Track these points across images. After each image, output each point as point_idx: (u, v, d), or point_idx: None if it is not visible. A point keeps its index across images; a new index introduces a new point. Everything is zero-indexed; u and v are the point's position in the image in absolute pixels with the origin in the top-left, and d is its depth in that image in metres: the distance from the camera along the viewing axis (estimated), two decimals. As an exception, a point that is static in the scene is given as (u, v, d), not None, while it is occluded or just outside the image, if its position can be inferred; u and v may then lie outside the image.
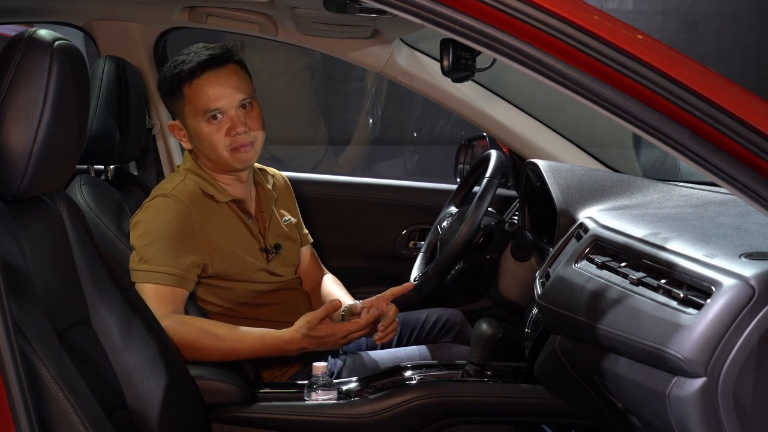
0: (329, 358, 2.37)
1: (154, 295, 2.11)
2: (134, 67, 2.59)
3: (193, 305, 2.22)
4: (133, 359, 1.81)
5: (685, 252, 1.53)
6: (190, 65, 2.24)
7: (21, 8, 2.51)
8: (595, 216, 2.02)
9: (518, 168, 2.76)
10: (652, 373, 1.48)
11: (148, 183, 2.74)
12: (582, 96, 1.27)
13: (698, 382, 1.36)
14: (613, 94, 1.25)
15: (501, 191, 2.81)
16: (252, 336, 2.14)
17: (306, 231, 2.60)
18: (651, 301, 1.50)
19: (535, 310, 2.11)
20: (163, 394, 1.82)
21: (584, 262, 1.82)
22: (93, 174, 2.52)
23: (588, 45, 1.25)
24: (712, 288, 1.38)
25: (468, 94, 2.75)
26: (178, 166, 2.40)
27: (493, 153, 2.42)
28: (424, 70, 2.75)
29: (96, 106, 2.42)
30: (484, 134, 2.82)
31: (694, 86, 1.24)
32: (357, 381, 2.22)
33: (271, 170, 2.56)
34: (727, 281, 1.37)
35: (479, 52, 1.64)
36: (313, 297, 2.53)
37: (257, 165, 2.49)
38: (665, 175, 2.51)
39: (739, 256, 1.43)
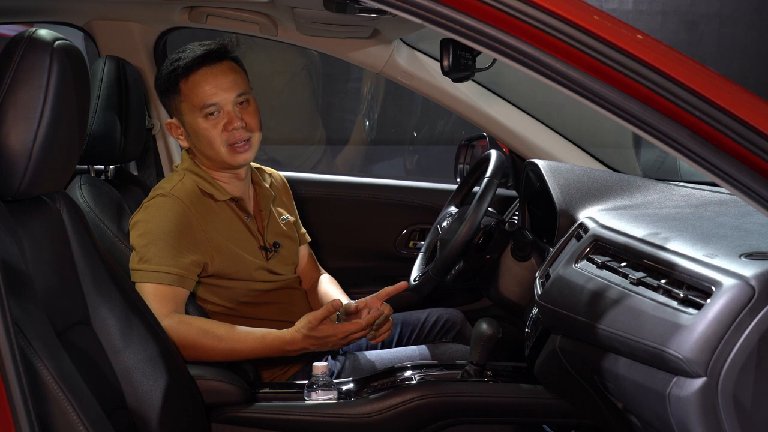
0: (329, 358, 2.37)
1: (155, 294, 2.11)
2: (134, 67, 2.59)
3: (194, 305, 2.22)
4: (133, 359, 1.81)
5: (685, 252, 1.53)
6: (186, 61, 2.25)
7: (21, 8, 2.51)
8: (595, 216, 2.02)
9: (518, 168, 2.76)
10: (652, 373, 1.48)
11: (148, 183, 2.74)
12: (582, 96, 1.27)
13: (698, 382, 1.36)
14: (613, 94, 1.25)
15: (501, 191, 2.81)
16: (253, 336, 2.14)
17: (304, 230, 2.60)
18: (651, 301, 1.50)
19: (535, 310, 2.11)
20: (163, 394, 1.83)
21: (584, 262, 1.82)
22: (93, 174, 2.52)
23: (588, 45, 1.25)
24: (712, 288, 1.38)
25: (468, 94, 2.75)
26: (176, 166, 2.40)
27: (493, 153, 2.42)
28: (424, 70, 2.75)
29: (96, 106, 2.42)
30: (484, 134, 2.82)
31: (694, 86, 1.24)
32: (357, 381, 2.22)
33: (269, 169, 2.56)
34: (727, 281, 1.37)
35: (479, 52, 1.64)
36: (310, 296, 2.53)
37: (254, 164, 2.49)
38: (665, 175, 2.51)
39: (739, 256, 1.43)
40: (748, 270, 1.36)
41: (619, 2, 5.57)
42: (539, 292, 1.96)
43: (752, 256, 1.42)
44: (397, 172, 5.44)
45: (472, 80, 2.62)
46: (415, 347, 2.46)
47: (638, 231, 1.75)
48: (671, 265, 1.52)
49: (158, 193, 2.25)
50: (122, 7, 2.64)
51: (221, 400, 2.08)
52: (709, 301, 1.37)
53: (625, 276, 1.62)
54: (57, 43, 1.61)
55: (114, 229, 2.26)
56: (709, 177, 1.26)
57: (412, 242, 3.06)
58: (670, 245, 1.60)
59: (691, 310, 1.40)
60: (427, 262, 2.56)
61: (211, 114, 2.25)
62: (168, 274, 2.13)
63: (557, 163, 2.39)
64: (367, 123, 5.19)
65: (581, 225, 2.01)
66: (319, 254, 2.73)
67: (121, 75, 2.50)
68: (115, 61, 2.50)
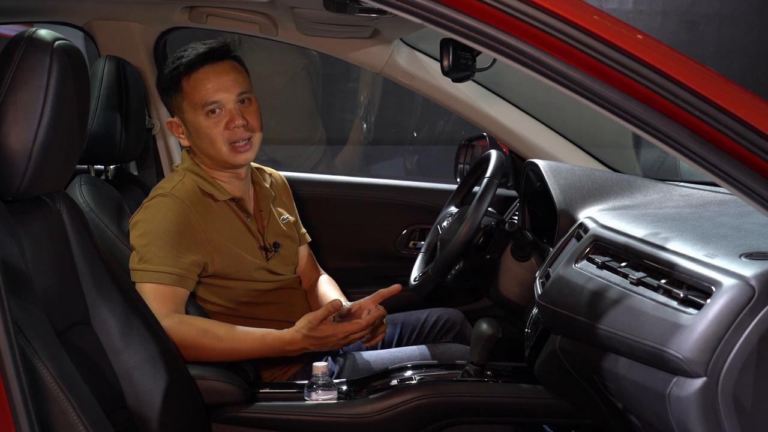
0: (329, 358, 2.37)
1: (155, 295, 2.11)
2: (134, 67, 2.59)
3: (194, 305, 2.22)
4: (133, 359, 1.81)
5: (685, 252, 1.53)
6: (189, 59, 2.26)
7: (21, 8, 2.51)
8: (595, 216, 2.02)
9: (518, 168, 2.76)
10: (652, 373, 1.48)
11: (148, 183, 2.74)
12: (582, 96, 1.27)
13: (698, 382, 1.36)
14: (613, 94, 1.25)
15: (501, 191, 2.81)
16: (253, 336, 2.14)
17: (304, 230, 2.60)
18: (651, 301, 1.50)
19: (535, 310, 2.11)
20: (163, 394, 1.83)
21: (584, 262, 1.82)
22: (93, 174, 2.52)
23: (588, 45, 1.25)
24: (712, 288, 1.38)
25: (468, 94, 2.75)
26: (176, 166, 2.40)
27: (493, 153, 2.42)
28: (424, 70, 2.75)
29: (96, 106, 2.42)
30: (484, 134, 2.82)
31: (694, 86, 1.24)
32: (357, 381, 2.22)
33: (269, 169, 2.56)
34: (727, 281, 1.37)
35: (479, 52, 1.64)
36: (309, 297, 2.53)
37: (255, 164, 2.49)
38: (665, 175, 2.51)
39: (739, 256, 1.43)
40: (748, 270, 1.36)
41: (619, 2, 5.57)
42: (539, 292, 1.96)
43: (752, 256, 1.42)
44: (397, 172, 5.44)
45: (472, 80, 2.62)
46: (415, 347, 2.46)
47: (638, 231, 1.75)
48: (671, 265, 1.52)
49: (158, 193, 2.25)
50: (122, 7, 2.64)
51: (221, 400, 2.08)
52: (709, 301, 1.37)
53: (625, 276, 1.62)
54: (57, 43, 1.61)
55: (114, 229, 2.26)
56: (709, 177, 1.26)
57: (412, 242, 3.06)
58: (670, 245, 1.60)
59: (691, 310, 1.40)
60: (427, 262, 2.56)
61: (213, 112, 2.25)
62: (168, 274, 2.13)
63: (557, 163, 2.39)
64: (365, 125, 5.19)
65: (581, 225, 2.01)
66: (319, 254, 2.73)
67: (121, 75, 2.50)
68: (115, 61, 2.50)
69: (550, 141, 2.77)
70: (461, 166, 2.89)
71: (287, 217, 2.50)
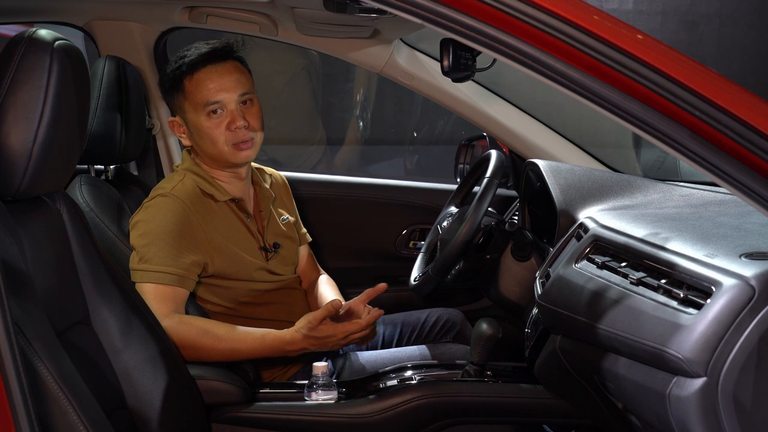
0: (329, 358, 2.37)
1: (155, 295, 2.11)
2: (134, 67, 2.59)
3: (194, 305, 2.22)
4: (133, 359, 1.81)
5: (685, 252, 1.53)
6: (191, 58, 2.26)
7: (21, 8, 2.51)
8: (595, 216, 2.02)
9: (518, 168, 2.76)
10: (652, 373, 1.48)
11: (148, 183, 2.74)
12: (582, 96, 1.27)
13: (698, 382, 1.36)
14: (613, 94, 1.25)
15: (501, 191, 2.81)
16: (253, 336, 2.14)
17: (304, 230, 2.60)
18: (651, 301, 1.50)
19: (535, 310, 2.11)
20: (163, 394, 1.82)
21: (584, 262, 1.82)
22: (93, 174, 2.52)
23: (588, 45, 1.25)
24: (712, 288, 1.38)
25: (468, 94, 2.75)
26: (177, 166, 2.40)
27: (493, 153, 2.42)
28: (424, 70, 2.75)
29: (96, 106, 2.42)
30: (484, 134, 2.82)
31: (694, 86, 1.24)
32: (357, 381, 2.22)
33: (269, 170, 2.56)
34: (728, 281, 1.37)
35: (479, 52, 1.64)
36: (309, 297, 2.53)
37: (255, 164, 2.49)
38: (665, 175, 2.51)
39: (740, 256, 1.43)
40: (748, 270, 1.36)
41: (619, 2, 5.57)
42: (539, 292, 1.96)
43: (752, 256, 1.42)
44: (397, 172, 5.44)
45: (472, 80, 2.62)
46: (415, 347, 2.46)
47: (638, 231, 1.75)
48: (671, 265, 1.52)
49: (159, 193, 2.25)
50: (122, 7, 2.64)
51: (221, 400, 2.08)
52: (709, 301, 1.37)
53: (625, 276, 1.62)
54: (57, 43, 1.61)
55: (114, 229, 2.26)
56: (709, 177, 1.26)
57: (412, 242, 3.06)
58: (670, 245, 1.60)
59: (691, 310, 1.40)
60: (427, 262, 2.56)
61: (214, 112, 2.25)
62: (168, 274, 2.13)
63: (557, 163, 2.39)
64: (361, 123, 5.20)
65: (581, 225, 2.01)
66: (319, 254, 2.73)
67: (121, 75, 2.50)
68: (115, 61, 2.50)
69: (550, 141, 2.77)
70: (461, 166, 2.89)
71: (287, 218, 2.50)
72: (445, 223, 2.53)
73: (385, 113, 5.43)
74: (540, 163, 2.34)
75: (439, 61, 1.68)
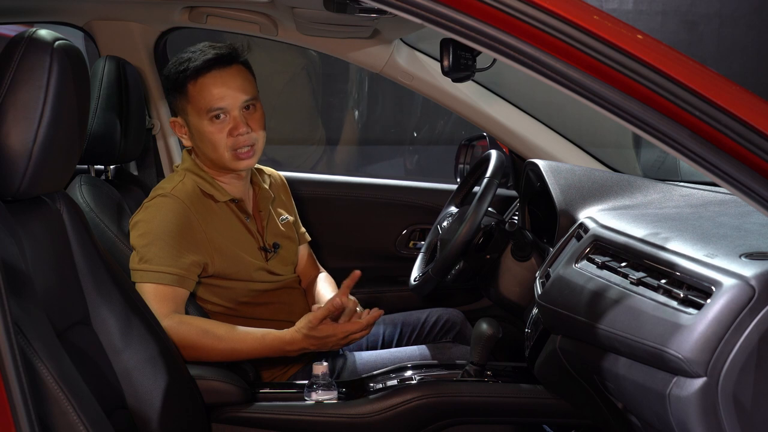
0: (329, 358, 2.37)
1: (155, 295, 2.11)
2: (134, 67, 2.59)
3: (194, 305, 2.22)
4: (133, 359, 1.81)
5: (686, 252, 1.53)
6: (196, 63, 2.24)
7: (21, 8, 2.51)
8: (595, 216, 2.02)
9: (518, 168, 2.76)
10: (652, 373, 1.48)
11: (148, 183, 2.74)
12: (582, 96, 1.27)
13: (698, 382, 1.36)
14: (613, 94, 1.25)
15: (501, 191, 2.81)
16: (252, 336, 2.14)
17: (303, 229, 2.60)
18: (651, 301, 1.50)
19: (535, 310, 2.11)
20: (163, 394, 1.82)
21: (584, 262, 1.82)
22: (93, 174, 2.52)
23: (588, 45, 1.25)
24: (712, 288, 1.38)
25: (468, 94, 2.75)
26: (177, 166, 2.40)
27: (493, 153, 2.42)
28: (424, 70, 2.75)
29: (96, 106, 2.42)
30: (484, 134, 2.82)
31: (694, 86, 1.24)
32: (357, 381, 2.22)
33: (268, 170, 2.56)
34: (728, 281, 1.37)
35: (479, 52, 1.64)
36: (308, 295, 2.53)
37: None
38: (665, 175, 2.51)
39: (740, 256, 1.43)
40: (748, 270, 1.36)
41: (619, 2, 5.57)
42: (539, 292, 1.96)
43: (752, 256, 1.42)
44: (397, 172, 5.44)
45: (472, 80, 2.62)
46: (415, 347, 2.46)
47: (638, 231, 1.75)
48: (671, 265, 1.52)
49: (159, 194, 2.25)
50: (122, 7, 2.64)
51: (221, 400, 2.08)
52: (709, 301, 1.37)
53: (625, 276, 1.62)
54: (57, 43, 1.61)
55: (114, 229, 2.26)
56: (709, 177, 1.26)
57: (412, 242, 3.06)
58: (670, 245, 1.60)
59: (691, 310, 1.40)
60: (427, 262, 2.56)
61: (217, 117, 2.24)
62: (168, 275, 2.13)
63: (557, 163, 2.39)
64: (361, 123, 5.20)
65: (581, 225, 2.01)
66: (319, 254, 2.73)
67: (121, 75, 2.49)
68: (115, 61, 2.50)
69: (550, 141, 2.77)
70: (461, 166, 2.89)
71: (286, 218, 2.50)
72: (445, 223, 2.53)
73: (386, 113, 5.43)
74: (540, 163, 2.34)
75: (439, 61, 1.68)
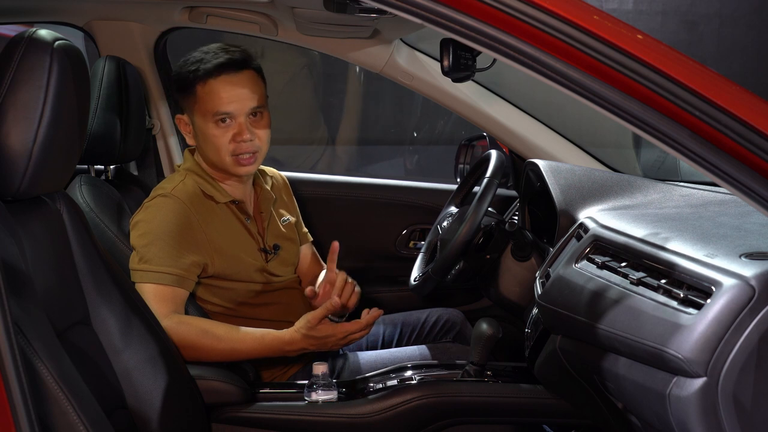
0: (329, 358, 2.37)
1: (155, 295, 2.11)
2: (134, 67, 2.59)
3: (194, 305, 2.22)
4: (133, 359, 1.81)
5: (685, 252, 1.53)
6: (207, 66, 2.23)
7: (21, 8, 2.51)
8: (595, 216, 2.02)
9: (518, 168, 2.76)
10: (652, 373, 1.48)
11: (148, 183, 2.74)
12: (582, 96, 1.27)
13: (698, 382, 1.36)
14: (613, 94, 1.25)
15: (501, 191, 2.81)
16: (252, 336, 2.14)
17: (305, 230, 2.60)
18: (651, 301, 1.50)
19: (535, 310, 2.11)
20: (163, 394, 1.83)
21: (584, 262, 1.82)
22: (93, 174, 2.52)
23: (588, 45, 1.25)
24: (712, 288, 1.38)
25: (468, 94, 2.75)
26: (178, 166, 2.40)
27: (493, 153, 2.42)
28: (424, 70, 2.75)
29: (96, 106, 2.42)
30: (484, 134, 2.82)
31: (694, 86, 1.24)
32: (357, 381, 2.22)
33: (270, 170, 2.56)
34: (728, 281, 1.37)
35: (479, 52, 1.64)
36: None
37: (255, 166, 2.49)
38: (665, 175, 2.51)
39: (740, 256, 1.43)
40: (748, 270, 1.36)
41: (619, 2, 5.57)
42: (539, 292, 1.96)
43: (752, 256, 1.42)
44: (397, 172, 5.44)
45: (472, 80, 2.62)
46: (415, 347, 2.46)
47: (638, 231, 1.75)
48: (671, 265, 1.52)
49: (159, 194, 2.25)
50: (122, 7, 2.64)
51: (221, 400, 2.08)
52: (709, 301, 1.37)
53: (625, 276, 1.62)
54: (57, 43, 1.61)
55: (114, 229, 2.26)
56: (709, 177, 1.26)
57: (412, 242, 3.06)
58: (670, 245, 1.60)
59: (691, 310, 1.40)
60: (427, 262, 2.56)
61: (223, 121, 2.24)
62: (168, 275, 2.13)
63: (557, 163, 2.39)
64: (360, 123, 5.20)
65: (581, 225, 2.01)
66: (319, 254, 2.73)
67: (121, 75, 2.49)
68: (115, 61, 2.50)
69: (550, 141, 2.77)
70: (461, 166, 2.89)
71: (288, 219, 2.50)
72: (445, 223, 2.53)
73: (386, 113, 5.43)
74: (540, 163, 2.34)
75: (439, 61, 1.68)
